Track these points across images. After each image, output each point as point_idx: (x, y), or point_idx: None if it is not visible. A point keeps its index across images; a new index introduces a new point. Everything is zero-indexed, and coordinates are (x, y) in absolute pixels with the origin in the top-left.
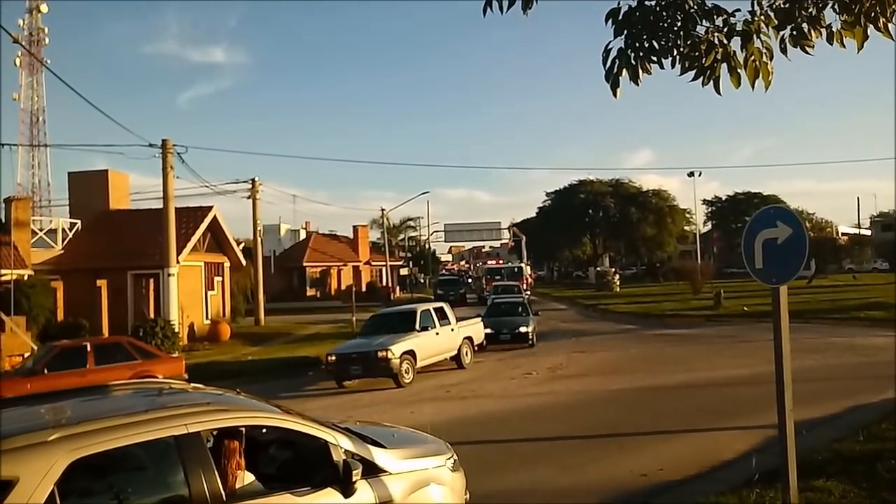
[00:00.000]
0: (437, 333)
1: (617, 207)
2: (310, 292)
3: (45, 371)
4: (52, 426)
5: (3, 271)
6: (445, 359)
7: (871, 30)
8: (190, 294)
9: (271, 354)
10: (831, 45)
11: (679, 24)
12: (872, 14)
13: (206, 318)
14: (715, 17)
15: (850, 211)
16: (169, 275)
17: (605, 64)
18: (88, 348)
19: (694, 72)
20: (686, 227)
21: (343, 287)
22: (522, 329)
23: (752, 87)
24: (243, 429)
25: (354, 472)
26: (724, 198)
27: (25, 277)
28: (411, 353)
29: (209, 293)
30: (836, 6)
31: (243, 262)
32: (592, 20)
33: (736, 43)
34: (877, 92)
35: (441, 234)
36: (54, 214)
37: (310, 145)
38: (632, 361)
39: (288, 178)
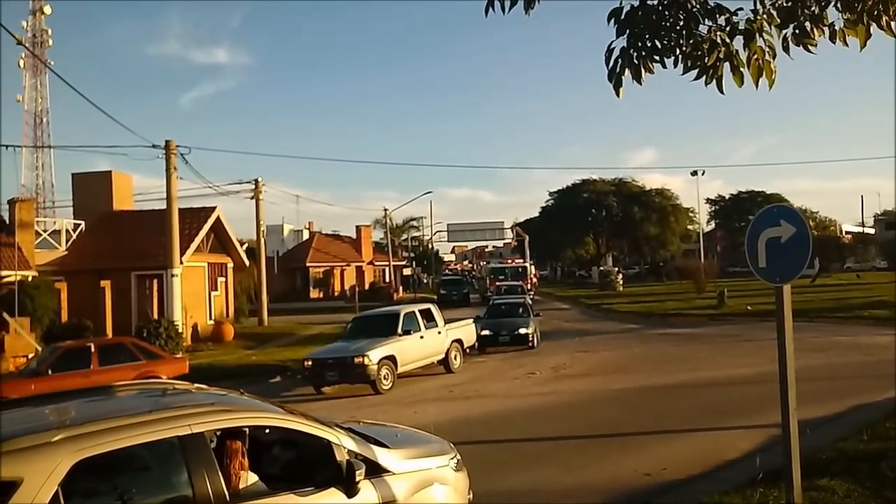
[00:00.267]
0: (422, 337)
1: (620, 206)
2: (313, 292)
3: (49, 372)
4: (57, 427)
5: (8, 272)
6: (433, 363)
7: (873, 28)
8: (193, 295)
9: (272, 356)
10: (834, 43)
11: (681, 23)
12: (875, 12)
13: (210, 318)
14: (717, 16)
15: (853, 209)
16: (172, 275)
17: (607, 63)
18: (92, 349)
19: (696, 71)
20: (689, 226)
21: (346, 287)
22: (522, 330)
23: (756, 85)
24: (247, 429)
25: (358, 473)
26: (727, 196)
27: (29, 278)
28: (391, 358)
29: (213, 294)
30: (838, 4)
31: (247, 262)
32: (595, 20)
33: (738, 42)
34: (880, 90)
35: (444, 233)
36: (58, 215)
37: (313, 145)
38: (635, 361)
39: (291, 179)
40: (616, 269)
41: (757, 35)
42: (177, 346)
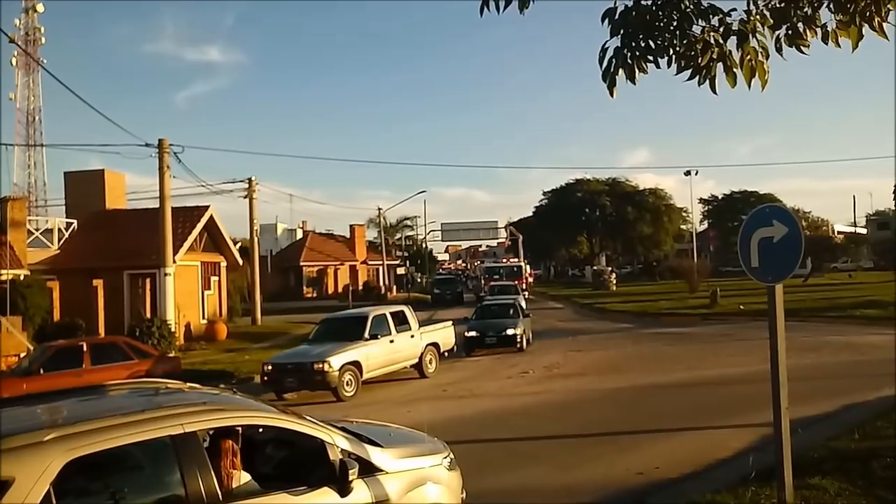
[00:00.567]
0: (392, 341)
1: (613, 206)
2: (306, 292)
3: (41, 371)
4: (49, 426)
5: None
6: (406, 368)
7: (865, 29)
8: (186, 294)
9: (266, 355)
10: (826, 44)
11: (675, 23)
12: (867, 13)
13: (203, 317)
14: (711, 16)
15: (846, 209)
16: (165, 274)
17: (601, 63)
18: (84, 348)
19: (690, 71)
20: (682, 226)
21: (340, 286)
22: (510, 332)
23: (749, 86)
24: (240, 428)
25: (351, 472)
26: (720, 196)
27: (21, 277)
28: (355, 364)
29: (206, 293)
30: (831, 6)
31: (240, 261)
32: (589, 19)
33: (732, 42)
34: (872, 91)
35: (438, 233)
36: (50, 214)
37: (306, 144)
38: (628, 360)
39: (284, 178)
40: (609, 268)
41: (750, 36)
42: (169, 345)
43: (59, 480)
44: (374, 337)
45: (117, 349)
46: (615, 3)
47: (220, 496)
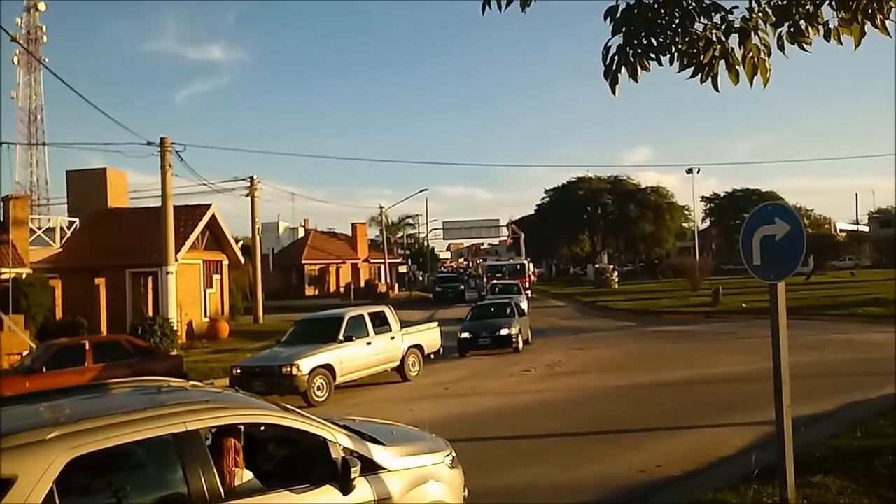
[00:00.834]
0: (370, 343)
1: (615, 204)
2: (308, 290)
3: (44, 369)
4: (51, 424)
5: (2, 270)
6: (386, 371)
7: (868, 26)
8: (188, 292)
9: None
10: (829, 41)
11: (677, 21)
12: (870, 11)
13: (205, 316)
14: (713, 14)
15: (848, 207)
16: (167, 273)
17: (604, 61)
18: (87, 346)
19: (692, 69)
20: (684, 224)
21: (342, 285)
22: (504, 332)
23: (751, 84)
24: (242, 427)
25: (353, 470)
26: (722, 194)
27: (24, 276)
28: (328, 367)
29: (208, 291)
30: (833, 3)
31: (242, 260)
32: (591, 18)
33: (734, 40)
34: (875, 88)
35: (440, 231)
36: (53, 213)
37: (308, 143)
38: (630, 358)
39: (286, 176)
40: (611, 266)
41: (752, 33)
42: (171, 343)
43: (62, 478)
44: (349, 339)
45: (119, 347)
46: (617, 1)
47: (223, 494)
